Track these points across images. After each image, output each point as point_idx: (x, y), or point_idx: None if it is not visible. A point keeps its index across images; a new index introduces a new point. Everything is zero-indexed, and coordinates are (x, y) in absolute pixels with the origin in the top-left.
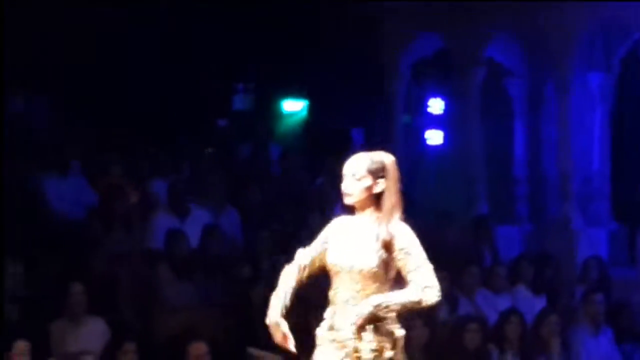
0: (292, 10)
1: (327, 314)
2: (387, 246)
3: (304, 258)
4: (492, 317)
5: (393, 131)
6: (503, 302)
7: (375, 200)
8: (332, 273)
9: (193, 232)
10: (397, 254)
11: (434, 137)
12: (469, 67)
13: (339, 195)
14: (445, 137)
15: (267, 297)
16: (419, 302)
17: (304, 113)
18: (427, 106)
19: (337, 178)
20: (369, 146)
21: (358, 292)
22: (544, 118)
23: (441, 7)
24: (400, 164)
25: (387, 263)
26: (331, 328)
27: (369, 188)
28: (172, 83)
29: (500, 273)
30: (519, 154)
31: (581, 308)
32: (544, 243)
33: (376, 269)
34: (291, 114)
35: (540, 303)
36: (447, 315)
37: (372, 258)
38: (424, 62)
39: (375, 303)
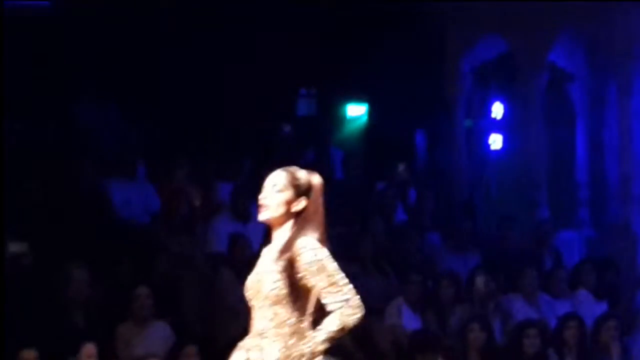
0: (354, 13)
1: (244, 345)
2: (292, 265)
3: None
4: (553, 322)
5: (455, 135)
6: (563, 307)
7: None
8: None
9: (256, 236)
10: (303, 272)
11: (497, 141)
12: (533, 71)
13: (399, 200)
14: (504, 142)
15: None
16: (342, 329)
17: (366, 117)
18: (490, 110)
19: (399, 183)
20: (431, 150)
21: (271, 321)
22: (606, 122)
23: (505, 10)
24: (463, 168)
25: (298, 286)
26: None
27: (288, 202)
28: (237, 89)
29: (560, 277)
30: (580, 158)
31: None
32: (605, 248)
33: (283, 292)
34: (354, 119)
35: (601, 308)
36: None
37: (275, 279)
38: (486, 66)
39: (299, 356)
